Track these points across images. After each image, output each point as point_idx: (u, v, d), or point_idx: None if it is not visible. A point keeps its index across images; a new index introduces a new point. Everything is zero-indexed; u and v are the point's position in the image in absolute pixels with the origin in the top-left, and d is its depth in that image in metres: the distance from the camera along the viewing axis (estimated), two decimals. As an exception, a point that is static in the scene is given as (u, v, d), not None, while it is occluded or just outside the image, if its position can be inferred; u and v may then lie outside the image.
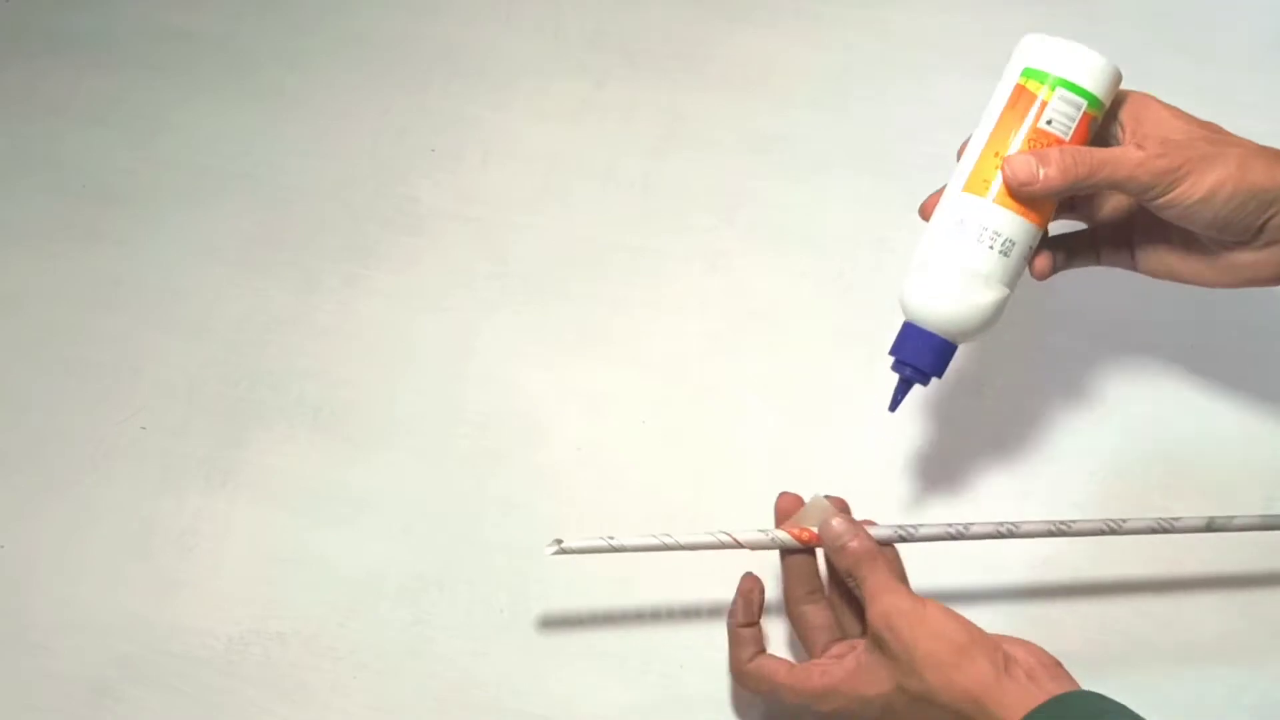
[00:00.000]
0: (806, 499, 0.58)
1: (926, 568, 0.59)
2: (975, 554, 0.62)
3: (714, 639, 0.62)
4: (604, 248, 0.79)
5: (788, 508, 0.58)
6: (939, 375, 0.57)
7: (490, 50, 0.91)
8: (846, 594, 0.57)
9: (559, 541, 0.57)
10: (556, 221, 0.80)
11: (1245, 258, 0.55)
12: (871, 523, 0.57)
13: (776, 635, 0.63)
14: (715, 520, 0.59)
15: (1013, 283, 0.56)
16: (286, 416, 0.72)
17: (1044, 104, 0.54)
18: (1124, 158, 0.53)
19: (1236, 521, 0.59)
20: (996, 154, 0.54)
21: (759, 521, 0.59)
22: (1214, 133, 0.54)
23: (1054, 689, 0.48)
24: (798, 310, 0.74)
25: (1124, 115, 0.56)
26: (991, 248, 0.54)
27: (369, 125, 0.86)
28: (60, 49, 0.93)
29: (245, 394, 0.73)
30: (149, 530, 0.67)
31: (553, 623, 0.64)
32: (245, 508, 0.68)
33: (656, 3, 0.93)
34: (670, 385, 0.72)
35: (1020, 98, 0.54)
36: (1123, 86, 0.56)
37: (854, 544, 0.55)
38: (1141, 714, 0.47)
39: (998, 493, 0.67)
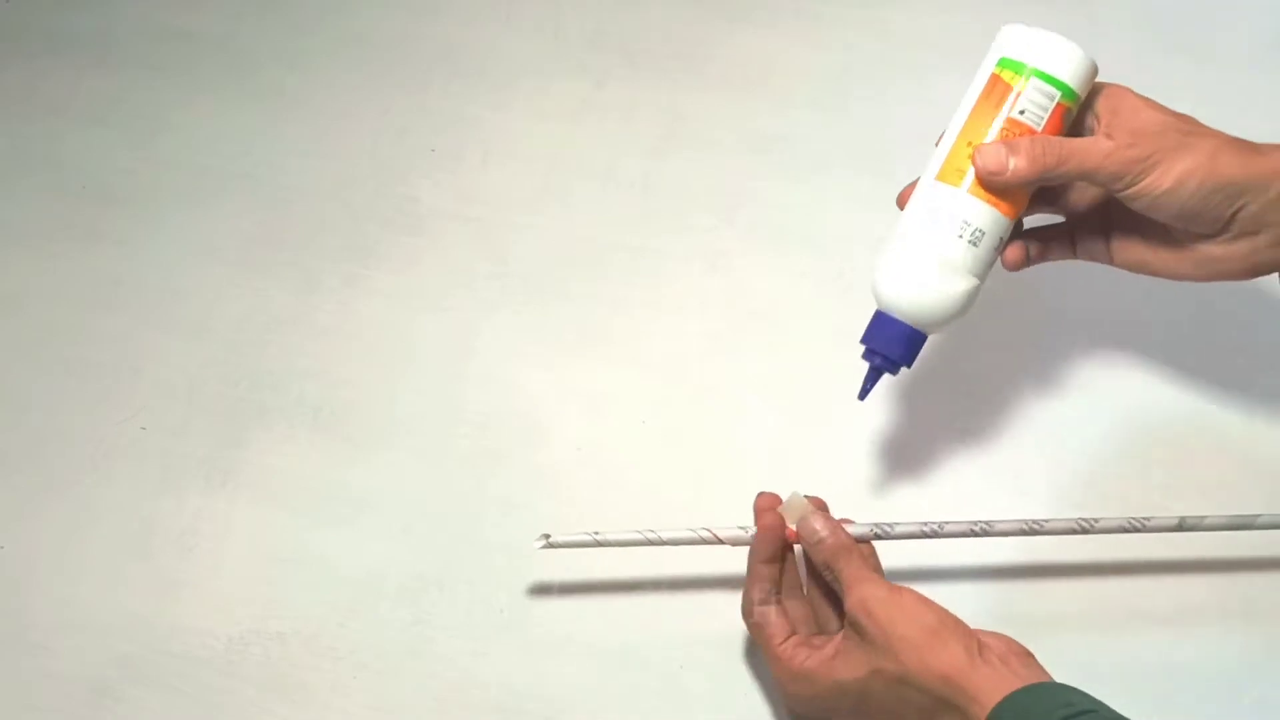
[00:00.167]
0: (783, 492, 0.59)
1: (903, 553, 0.60)
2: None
3: (713, 639, 0.63)
4: (604, 248, 0.79)
5: (766, 506, 0.59)
6: (908, 365, 0.58)
7: (490, 50, 0.91)
8: (825, 590, 0.58)
9: (546, 536, 0.59)
10: (556, 221, 0.80)
11: (1216, 250, 0.55)
12: (849, 521, 0.58)
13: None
14: (715, 520, 0.59)
15: (983, 273, 0.56)
16: (286, 416, 0.72)
17: (1018, 94, 0.54)
18: (1093, 148, 0.53)
19: (1207, 521, 0.60)
20: (969, 143, 0.54)
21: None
22: (1188, 124, 0.54)
23: (1028, 676, 0.49)
24: (798, 310, 0.74)
25: (1099, 107, 0.56)
26: (961, 237, 0.54)
27: (369, 125, 0.86)
28: (60, 49, 0.93)
29: (245, 394, 0.73)
30: (149, 530, 0.67)
31: (552, 623, 0.64)
32: (245, 508, 0.68)
33: (656, 3, 0.93)
34: (670, 385, 0.72)
35: (995, 87, 0.54)
36: (1108, 80, 0.56)
37: (831, 539, 0.56)
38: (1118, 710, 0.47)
39: (996, 490, 0.67)
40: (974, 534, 0.59)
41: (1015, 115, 0.54)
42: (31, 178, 0.85)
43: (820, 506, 0.59)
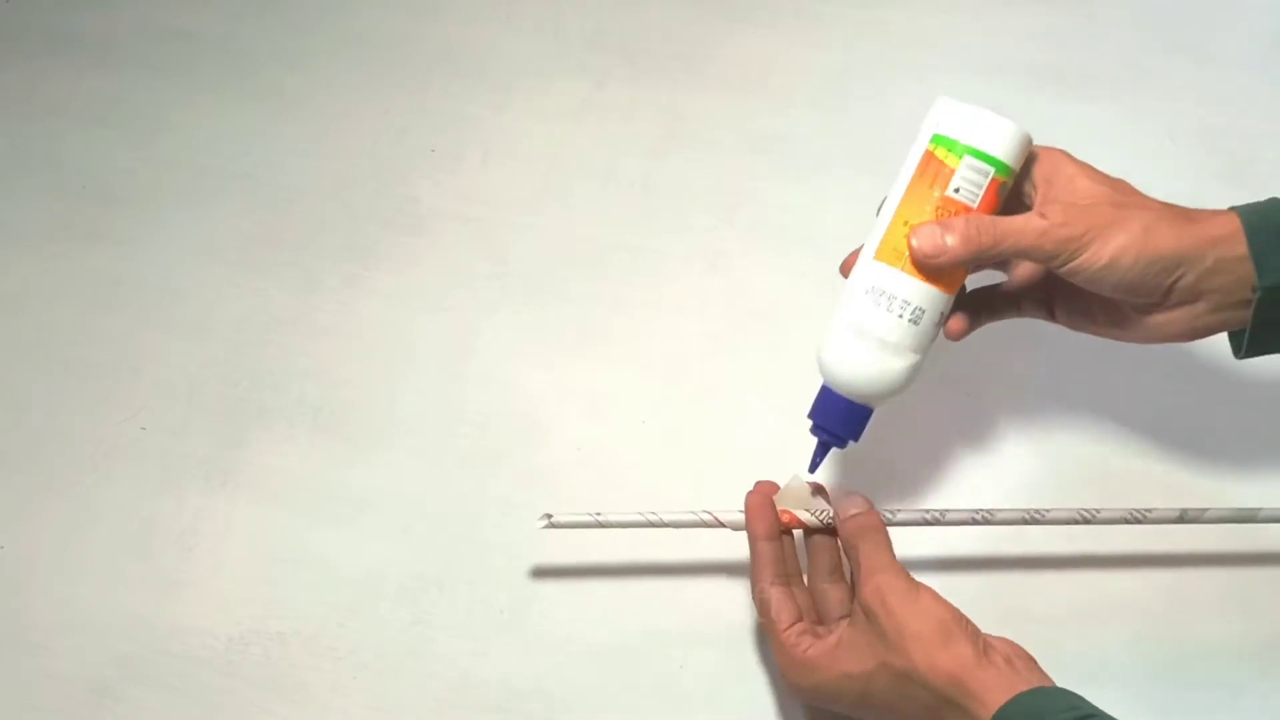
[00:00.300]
0: (782, 481, 0.60)
1: (904, 543, 0.59)
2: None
3: (713, 639, 0.63)
4: (604, 248, 0.79)
5: (764, 493, 0.59)
6: (855, 439, 0.58)
7: (490, 50, 0.91)
8: (830, 578, 0.58)
9: (549, 516, 0.59)
10: (556, 221, 0.80)
11: (1156, 318, 0.55)
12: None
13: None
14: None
15: (925, 349, 0.56)
16: (286, 416, 0.72)
17: (951, 172, 0.54)
18: (1027, 227, 0.53)
19: (1209, 514, 0.60)
20: (906, 222, 0.54)
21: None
22: (1123, 195, 0.54)
23: (1032, 679, 0.50)
24: (798, 310, 0.74)
25: (1035, 175, 0.56)
26: (901, 316, 0.54)
27: (369, 125, 0.86)
28: (60, 49, 0.93)
29: (245, 394, 0.73)
30: (149, 530, 0.67)
31: (552, 622, 0.64)
32: (245, 508, 0.68)
33: (656, 3, 0.93)
34: (670, 385, 0.72)
35: (929, 165, 0.54)
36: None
37: (862, 516, 0.56)
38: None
39: (996, 490, 0.67)
40: (975, 522, 0.59)
41: (950, 194, 0.53)
42: (31, 178, 0.85)
43: (818, 490, 0.59)
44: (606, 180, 0.82)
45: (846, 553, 0.57)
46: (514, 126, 0.86)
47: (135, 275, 0.79)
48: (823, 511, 0.59)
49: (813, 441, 0.59)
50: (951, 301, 0.56)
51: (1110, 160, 0.82)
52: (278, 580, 0.65)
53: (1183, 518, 0.60)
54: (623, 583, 0.65)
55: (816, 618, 0.57)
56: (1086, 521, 0.59)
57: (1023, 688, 0.48)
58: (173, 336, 0.76)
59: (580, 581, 0.65)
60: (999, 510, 0.59)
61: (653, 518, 0.59)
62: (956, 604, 0.53)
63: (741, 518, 0.59)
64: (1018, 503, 0.61)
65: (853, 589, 0.56)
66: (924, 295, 0.54)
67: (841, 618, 0.56)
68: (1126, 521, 0.60)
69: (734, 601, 0.62)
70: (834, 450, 0.59)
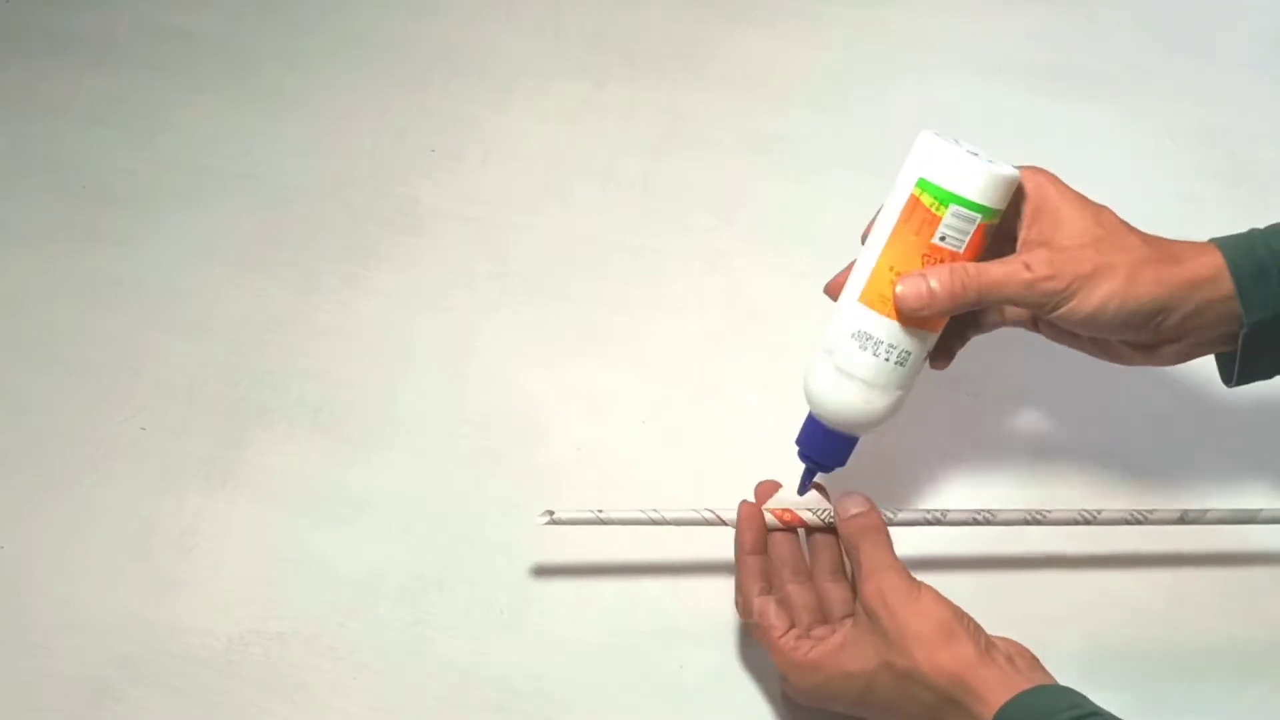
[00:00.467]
0: (785, 483, 0.60)
1: (905, 543, 0.59)
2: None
3: (713, 640, 0.63)
4: (604, 248, 0.79)
5: (767, 491, 0.60)
6: (841, 465, 0.59)
7: (490, 50, 0.91)
8: (832, 577, 0.58)
9: (550, 513, 0.59)
10: (556, 221, 0.80)
11: (1141, 354, 0.56)
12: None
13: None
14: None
15: (910, 384, 0.56)
16: (286, 416, 0.72)
17: (938, 220, 0.52)
18: (1012, 280, 0.52)
19: (1209, 515, 0.60)
20: (891, 268, 0.53)
21: (759, 521, 0.59)
22: (1107, 230, 0.53)
23: (1034, 678, 0.50)
24: (798, 310, 0.74)
25: (1023, 207, 0.55)
26: (888, 360, 0.54)
27: (369, 125, 0.86)
28: (60, 49, 0.93)
29: (245, 394, 0.73)
30: (149, 530, 0.67)
31: (552, 623, 0.64)
32: (245, 508, 0.68)
33: (656, 3, 0.93)
34: (670, 385, 0.72)
35: (914, 211, 0.53)
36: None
37: (863, 517, 0.56)
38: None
39: (997, 490, 0.67)
40: (977, 522, 0.59)
41: (936, 241, 0.53)
42: (31, 178, 0.85)
43: (819, 490, 0.60)
44: (606, 180, 0.82)
45: (848, 553, 0.57)
46: (514, 126, 0.86)
47: (135, 275, 0.79)
48: (824, 511, 0.59)
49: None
50: (936, 338, 0.56)
51: (1110, 160, 0.83)
52: (278, 580, 0.65)
53: (1184, 519, 0.60)
54: (623, 583, 0.65)
55: (821, 615, 0.58)
56: (1088, 522, 0.59)
57: (1025, 686, 0.48)
58: (173, 336, 0.75)
59: (580, 581, 0.65)
60: (1000, 511, 0.60)
61: (654, 515, 0.59)
62: (961, 603, 0.53)
63: None
64: (1018, 503, 0.61)
65: (855, 588, 0.56)
66: (909, 339, 0.54)
67: (845, 617, 0.56)
68: (1128, 522, 0.60)
69: (732, 602, 0.62)
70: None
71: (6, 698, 0.62)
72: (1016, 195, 0.55)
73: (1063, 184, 0.55)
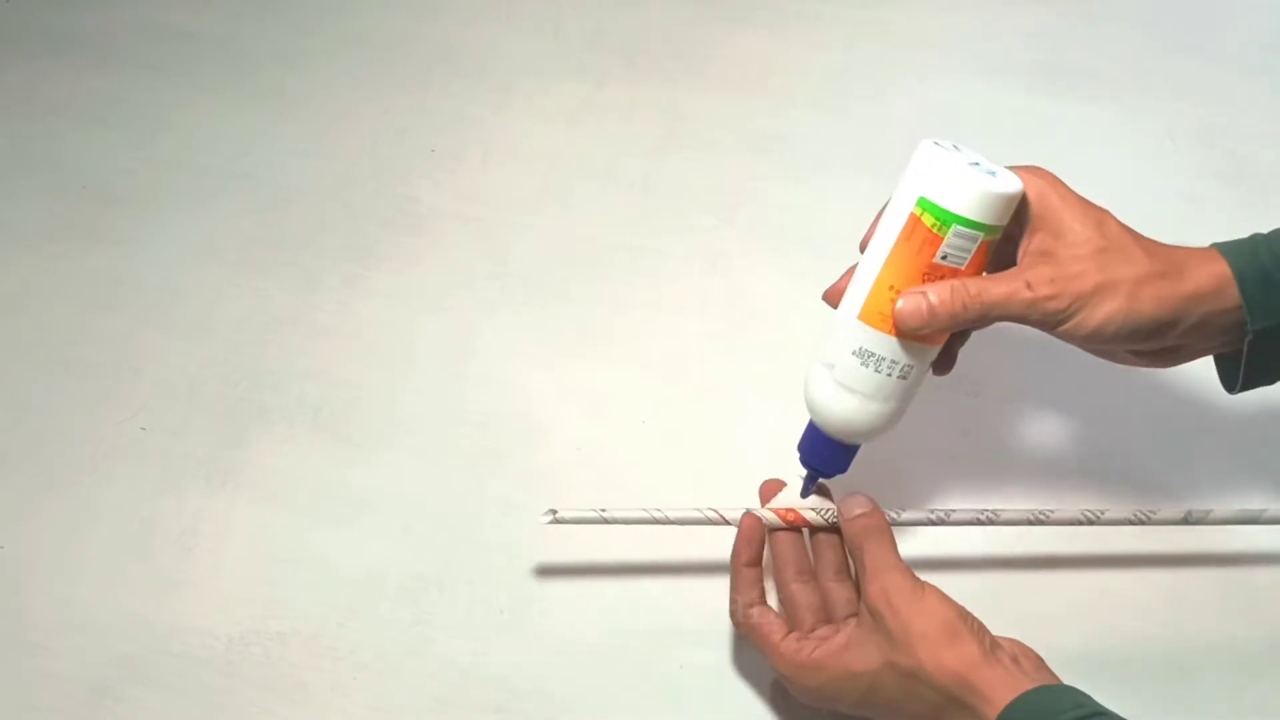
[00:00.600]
0: (787, 483, 0.60)
1: (909, 543, 0.60)
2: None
3: (713, 640, 0.63)
4: (604, 248, 0.79)
5: (771, 490, 0.60)
6: (842, 472, 0.59)
7: (490, 50, 0.91)
8: (836, 576, 0.58)
9: (553, 511, 0.59)
10: (556, 221, 0.80)
11: (1142, 359, 0.56)
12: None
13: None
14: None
15: (912, 393, 0.56)
16: (286, 416, 0.72)
17: (940, 240, 0.51)
18: (1013, 299, 0.52)
19: (1213, 515, 0.60)
20: (891, 287, 0.53)
21: (759, 521, 0.59)
22: (1109, 239, 0.53)
23: (1039, 677, 0.50)
24: (798, 310, 0.74)
25: (1026, 213, 0.54)
26: (890, 375, 0.54)
27: (369, 125, 0.86)
28: (60, 49, 0.93)
29: (245, 394, 0.73)
30: (149, 530, 0.67)
31: (552, 623, 0.64)
32: (245, 508, 0.68)
33: (656, 3, 0.93)
34: (670, 385, 0.72)
35: (915, 230, 0.51)
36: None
37: (867, 518, 0.56)
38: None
39: (996, 491, 0.67)
40: (980, 522, 0.59)
41: (938, 260, 0.52)
42: (31, 178, 0.85)
43: (823, 489, 0.60)
44: (606, 180, 0.82)
45: (851, 553, 0.57)
46: (514, 126, 0.86)
47: (135, 275, 0.79)
48: (828, 511, 0.59)
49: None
50: (939, 349, 0.56)
51: (1110, 160, 0.83)
52: (278, 580, 0.65)
53: (1187, 519, 0.60)
54: (623, 583, 0.65)
55: (825, 616, 0.58)
56: (1091, 523, 0.59)
57: (1029, 686, 0.48)
58: (173, 336, 0.75)
59: (580, 581, 0.65)
60: (1004, 511, 0.60)
61: (657, 514, 0.59)
62: (962, 603, 0.53)
63: None
64: (1019, 504, 0.61)
65: (859, 588, 0.57)
66: (910, 354, 0.54)
67: (849, 616, 0.56)
68: (1131, 523, 0.59)
69: (729, 611, 0.62)
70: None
71: (6, 698, 0.62)
72: (1019, 203, 0.54)
73: (1064, 187, 0.54)
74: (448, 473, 0.69)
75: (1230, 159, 0.82)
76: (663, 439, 0.70)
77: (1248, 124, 0.84)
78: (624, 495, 0.67)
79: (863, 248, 0.55)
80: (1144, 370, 0.58)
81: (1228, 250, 0.53)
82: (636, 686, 0.62)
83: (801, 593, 0.58)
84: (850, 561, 0.58)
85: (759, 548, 0.59)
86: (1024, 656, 0.52)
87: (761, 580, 0.59)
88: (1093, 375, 0.70)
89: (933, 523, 0.59)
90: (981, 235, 0.52)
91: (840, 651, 0.54)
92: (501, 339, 0.74)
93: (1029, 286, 0.52)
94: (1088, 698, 0.49)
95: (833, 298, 0.57)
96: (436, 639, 0.63)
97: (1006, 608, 0.60)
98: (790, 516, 0.59)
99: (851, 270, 0.56)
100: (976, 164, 0.52)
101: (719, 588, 0.63)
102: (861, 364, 0.54)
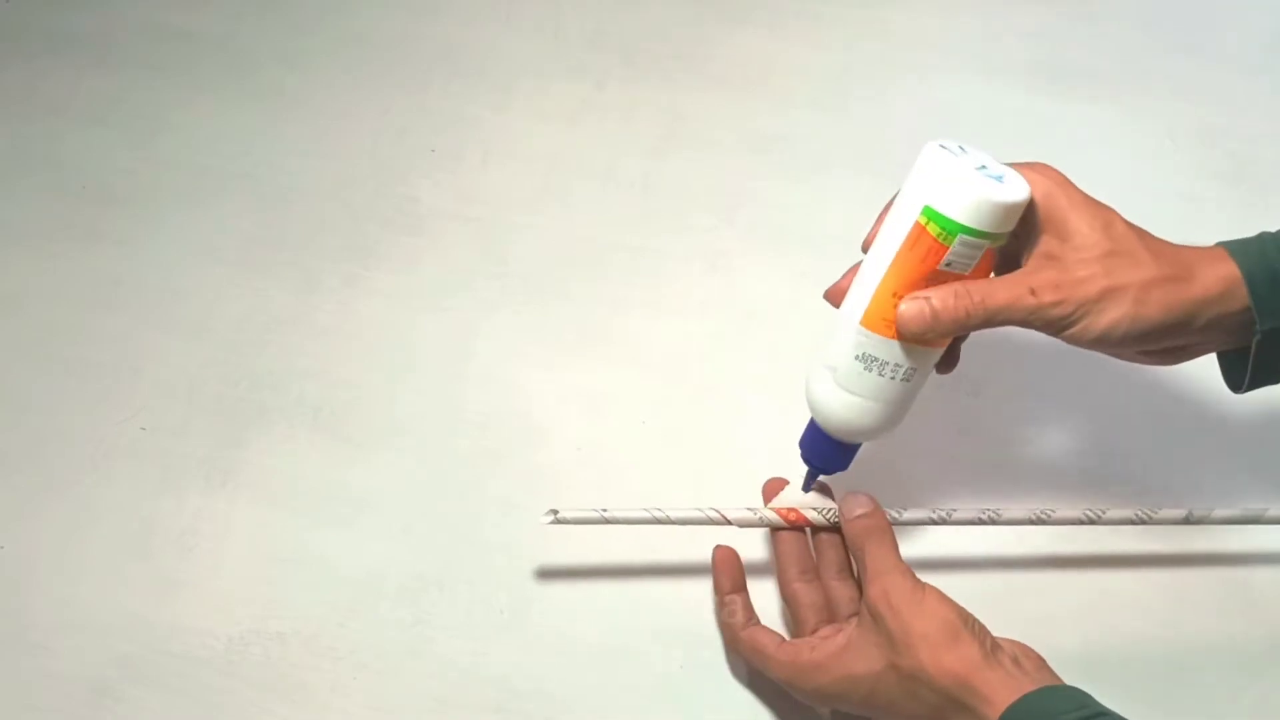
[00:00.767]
0: (792, 481, 0.60)
1: (906, 535, 0.60)
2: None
3: (713, 640, 0.63)
4: (604, 248, 0.79)
5: (775, 489, 0.60)
6: (843, 469, 0.59)
7: (490, 50, 0.91)
8: (838, 576, 0.59)
9: (554, 512, 0.59)
10: (556, 221, 0.80)
11: (1146, 358, 0.56)
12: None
13: (771, 609, 0.63)
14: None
15: (915, 394, 0.56)
16: (286, 416, 0.72)
17: (945, 249, 0.51)
18: (1017, 305, 0.51)
19: (1215, 514, 0.60)
20: (895, 293, 0.52)
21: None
22: (1116, 241, 0.52)
23: (1041, 679, 0.50)
24: (798, 310, 0.74)
25: (1032, 214, 0.53)
26: (894, 379, 0.54)
27: (369, 125, 0.86)
28: (60, 49, 0.93)
29: (245, 394, 0.73)
30: (149, 530, 0.67)
31: (553, 623, 0.64)
32: (245, 508, 0.68)
33: (656, 3, 0.93)
34: (670, 385, 0.72)
35: (920, 239, 0.51)
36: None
37: (869, 518, 0.56)
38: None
39: (997, 491, 0.67)
40: (982, 522, 0.59)
41: (942, 268, 0.51)
42: (31, 178, 0.85)
43: (824, 489, 0.60)
44: (606, 180, 0.82)
45: (853, 553, 0.57)
46: (514, 126, 0.86)
47: (135, 275, 0.79)
48: (830, 510, 0.59)
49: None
50: (942, 351, 0.56)
51: (1110, 160, 0.83)
52: (278, 580, 0.65)
53: (1189, 519, 0.60)
54: (623, 583, 0.65)
55: (827, 615, 0.58)
56: (1093, 522, 0.59)
57: (1031, 688, 0.48)
58: (173, 336, 0.75)
59: (580, 581, 0.65)
60: (1006, 510, 0.60)
61: (659, 514, 0.59)
62: (961, 603, 0.53)
63: (749, 515, 0.60)
64: (1020, 504, 0.61)
65: (860, 588, 0.57)
66: (913, 356, 0.54)
67: (851, 615, 0.57)
68: (1133, 523, 0.60)
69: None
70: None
71: (6, 698, 0.62)
72: (1031, 205, 0.53)
73: (1072, 187, 0.54)
74: (448, 473, 0.69)
75: (1230, 159, 0.82)
76: (663, 439, 0.70)
77: (1248, 124, 0.84)
78: (624, 495, 0.67)
79: (865, 248, 0.55)
80: (1145, 370, 0.58)
81: (1236, 250, 0.53)
82: (636, 686, 0.62)
83: (804, 592, 0.58)
84: (853, 560, 0.58)
85: (738, 575, 0.60)
86: (1025, 657, 0.52)
87: (749, 604, 0.59)
88: (1093, 375, 0.70)
89: (934, 522, 0.59)
90: (987, 243, 0.51)
91: (841, 653, 0.54)
92: (501, 339, 0.74)
93: (1033, 292, 0.51)
94: (1090, 698, 0.49)
95: (834, 297, 0.56)
96: (436, 639, 0.63)
97: (1006, 608, 0.61)
98: (792, 516, 0.59)
99: (853, 269, 0.56)
100: (983, 167, 0.51)
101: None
102: (864, 368, 0.54)
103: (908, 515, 0.59)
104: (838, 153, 0.83)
